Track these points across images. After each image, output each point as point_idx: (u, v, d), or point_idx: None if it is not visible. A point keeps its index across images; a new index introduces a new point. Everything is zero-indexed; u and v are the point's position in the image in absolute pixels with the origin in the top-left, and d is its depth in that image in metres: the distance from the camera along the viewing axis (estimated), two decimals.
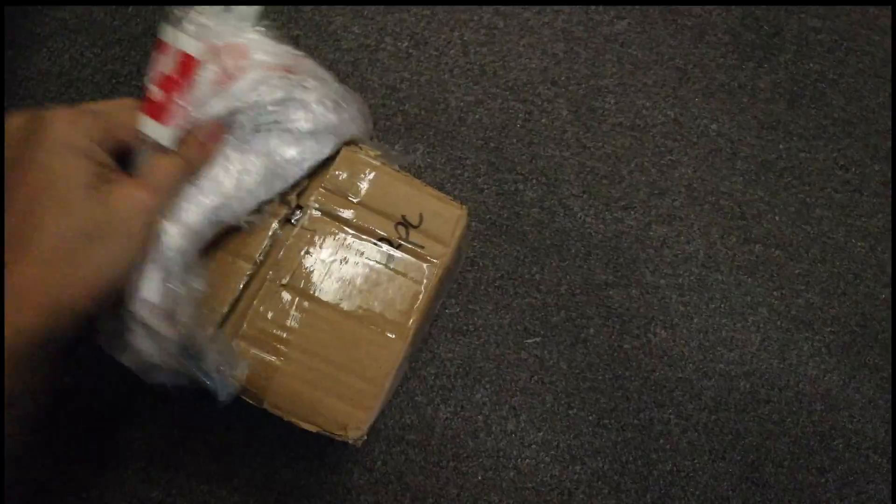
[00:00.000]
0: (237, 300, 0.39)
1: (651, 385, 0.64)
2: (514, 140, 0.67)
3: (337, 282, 0.40)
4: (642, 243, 0.67)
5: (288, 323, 0.39)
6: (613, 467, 0.63)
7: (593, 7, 0.71)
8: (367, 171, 0.42)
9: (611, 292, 0.66)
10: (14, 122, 0.31)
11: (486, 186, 0.66)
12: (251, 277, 0.39)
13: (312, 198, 0.41)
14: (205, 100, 0.35)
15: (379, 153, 0.42)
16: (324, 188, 0.41)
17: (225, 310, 0.38)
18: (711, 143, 0.70)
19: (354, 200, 0.41)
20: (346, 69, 0.66)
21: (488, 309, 0.64)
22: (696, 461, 0.64)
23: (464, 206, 0.42)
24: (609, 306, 0.65)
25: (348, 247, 0.41)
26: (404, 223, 0.41)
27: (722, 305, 0.67)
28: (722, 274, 0.67)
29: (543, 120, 0.68)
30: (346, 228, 0.41)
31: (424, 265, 0.41)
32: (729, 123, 0.71)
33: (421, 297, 0.40)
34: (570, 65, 0.70)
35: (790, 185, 0.70)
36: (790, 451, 0.65)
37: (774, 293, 0.68)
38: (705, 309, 0.67)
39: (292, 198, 0.40)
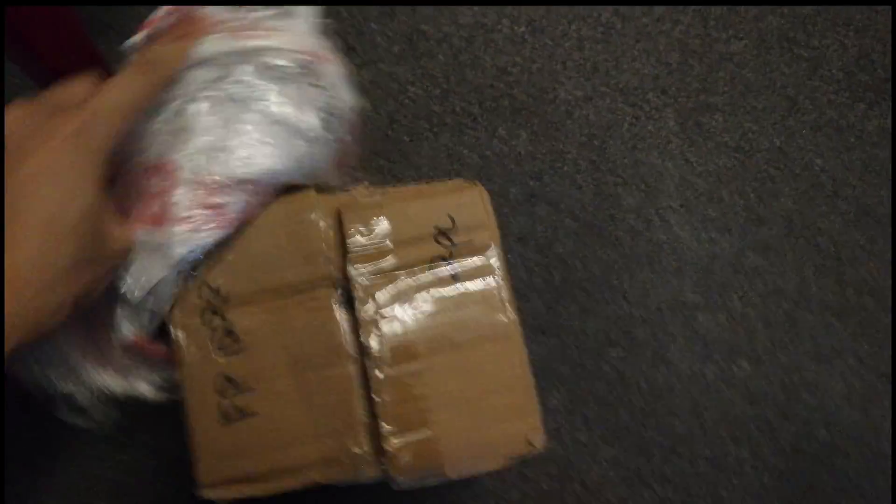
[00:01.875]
0: (366, 408, 0.36)
1: (730, 419, 0.61)
2: (619, 142, 0.65)
3: (428, 328, 0.37)
4: (735, 269, 0.64)
5: (415, 393, 0.36)
6: (681, 498, 0.59)
7: (712, 22, 0.69)
8: (376, 212, 0.38)
9: (698, 314, 0.63)
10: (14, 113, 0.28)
11: (584, 184, 0.63)
12: (362, 377, 0.36)
13: (350, 270, 0.37)
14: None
15: (366, 186, 0.39)
16: (352, 255, 0.37)
17: (364, 421, 0.36)
18: (814, 178, 0.68)
19: (387, 246, 0.38)
20: (459, 44, 0.64)
21: (573, 311, 0.61)
22: None
23: (474, 182, 0.40)
24: (695, 328, 0.62)
25: (414, 290, 0.38)
26: (441, 232, 0.38)
27: (809, 347, 0.64)
28: (812, 314, 0.65)
29: (650, 127, 0.66)
30: (399, 275, 0.37)
31: (484, 256, 0.39)
32: (833, 161, 0.68)
33: (502, 285, 0.38)
34: (682, 76, 0.67)
35: (888, 233, 0.68)
36: None
37: (863, 342, 0.65)
38: (791, 348, 0.63)
39: (330, 275, 0.37)
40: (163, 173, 0.34)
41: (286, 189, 0.37)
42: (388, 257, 0.37)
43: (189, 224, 0.34)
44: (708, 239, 0.64)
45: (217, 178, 0.34)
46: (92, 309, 0.32)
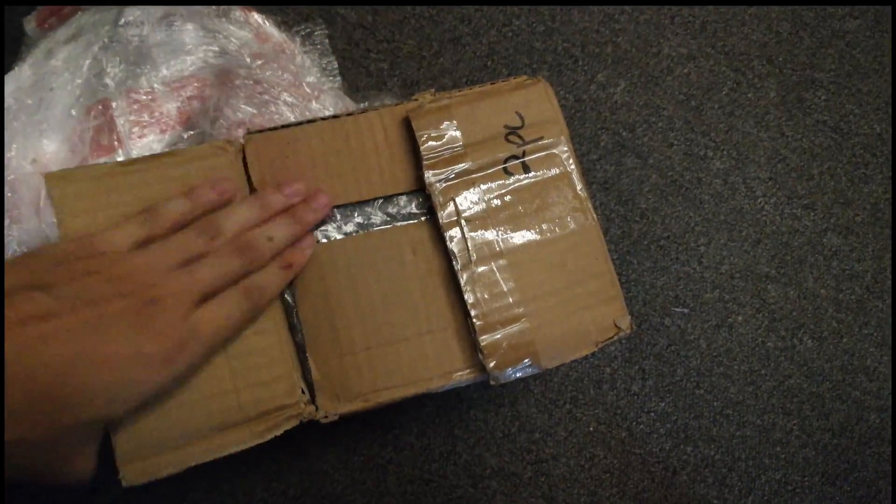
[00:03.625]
0: (462, 305, 0.37)
1: (783, 390, 0.62)
2: (716, 106, 0.64)
3: (509, 225, 0.38)
4: (813, 247, 0.64)
5: (505, 288, 0.37)
6: (724, 460, 0.60)
7: None
8: (445, 116, 0.38)
9: (769, 286, 0.63)
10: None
11: (676, 142, 0.63)
12: (452, 278, 0.38)
13: (428, 176, 0.37)
14: None
15: (432, 93, 0.39)
16: (427, 162, 0.37)
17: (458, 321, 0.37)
18: None
19: (460, 149, 0.38)
20: None
21: (646, 266, 0.61)
22: (806, 479, 0.61)
23: (538, 78, 0.40)
24: (764, 299, 0.63)
25: (490, 190, 0.38)
26: (512, 131, 0.39)
27: (875, 333, 0.64)
28: (883, 302, 0.64)
29: (750, 95, 0.65)
30: (475, 177, 0.38)
31: (555, 150, 0.39)
32: None
33: (575, 176, 0.39)
34: (790, 48, 0.66)
35: None
36: None
37: None
38: (857, 332, 0.64)
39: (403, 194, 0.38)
40: (101, 108, 0.40)
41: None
42: (462, 160, 0.38)
43: (138, 137, 0.41)
44: (791, 214, 0.64)
45: (147, 89, 0.42)
46: None
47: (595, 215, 0.38)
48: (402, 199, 0.38)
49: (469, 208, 0.37)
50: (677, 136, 0.63)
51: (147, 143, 0.43)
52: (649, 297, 0.61)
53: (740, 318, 0.62)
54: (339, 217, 0.37)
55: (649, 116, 0.63)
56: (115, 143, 0.43)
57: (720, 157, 0.63)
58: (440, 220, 0.37)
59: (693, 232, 0.62)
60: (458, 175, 0.37)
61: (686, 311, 0.61)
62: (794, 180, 0.64)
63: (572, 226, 0.38)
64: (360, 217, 0.37)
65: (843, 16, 0.67)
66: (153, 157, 0.34)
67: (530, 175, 0.38)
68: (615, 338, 0.36)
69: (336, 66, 0.57)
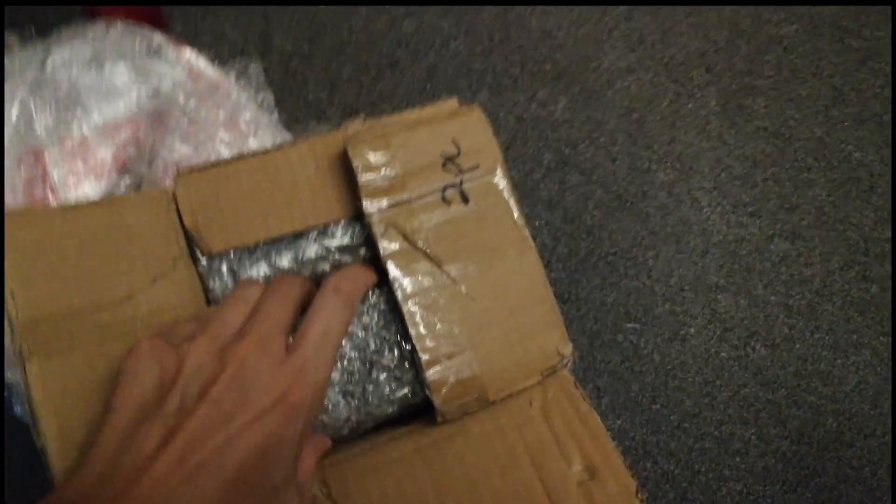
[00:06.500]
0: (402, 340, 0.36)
1: (739, 400, 0.62)
2: (658, 118, 0.64)
3: (450, 256, 0.37)
4: (761, 254, 0.64)
5: (449, 319, 0.36)
6: (684, 474, 0.60)
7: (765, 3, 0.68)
8: (382, 145, 0.38)
9: (719, 296, 0.63)
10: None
11: (619, 157, 0.63)
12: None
13: (366, 206, 0.37)
14: None
15: (362, 119, 0.39)
16: (365, 191, 0.37)
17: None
18: (851, 172, 0.67)
19: (397, 179, 0.38)
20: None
21: (595, 283, 0.61)
22: (767, 488, 0.61)
23: (471, 105, 0.40)
24: (715, 310, 0.62)
25: (430, 220, 0.38)
26: (448, 159, 0.38)
27: (827, 337, 0.64)
28: (833, 305, 0.65)
29: (690, 105, 0.65)
30: (414, 207, 0.38)
31: (491, 179, 0.39)
32: (873, 156, 0.67)
33: (513, 205, 0.38)
34: (728, 56, 0.66)
35: None
36: (861, 501, 0.62)
37: (881, 338, 0.65)
38: (809, 337, 0.64)
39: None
40: (32, 159, 0.39)
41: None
42: (400, 189, 0.37)
43: (71, 187, 0.40)
44: (737, 222, 0.64)
45: (80, 136, 0.40)
46: None
47: (532, 243, 0.37)
48: (338, 231, 0.38)
49: (409, 238, 0.36)
50: (620, 150, 0.63)
51: (83, 192, 0.42)
52: (600, 314, 0.61)
53: (692, 329, 0.62)
54: (272, 253, 0.36)
55: (591, 132, 0.63)
56: (49, 193, 0.41)
57: (664, 169, 0.63)
58: (380, 252, 0.36)
59: (640, 246, 0.62)
60: (396, 204, 0.37)
61: (638, 326, 0.61)
62: (739, 188, 0.65)
63: (511, 254, 0.37)
64: (292, 251, 0.36)
65: (780, 21, 0.68)
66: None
67: (469, 204, 0.38)
68: (559, 366, 0.35)
69: (272, 100, 0.57)
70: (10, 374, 0.37)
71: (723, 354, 0.62)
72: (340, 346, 0.27)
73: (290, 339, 0.26)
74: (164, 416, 0.21)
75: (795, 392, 0.63)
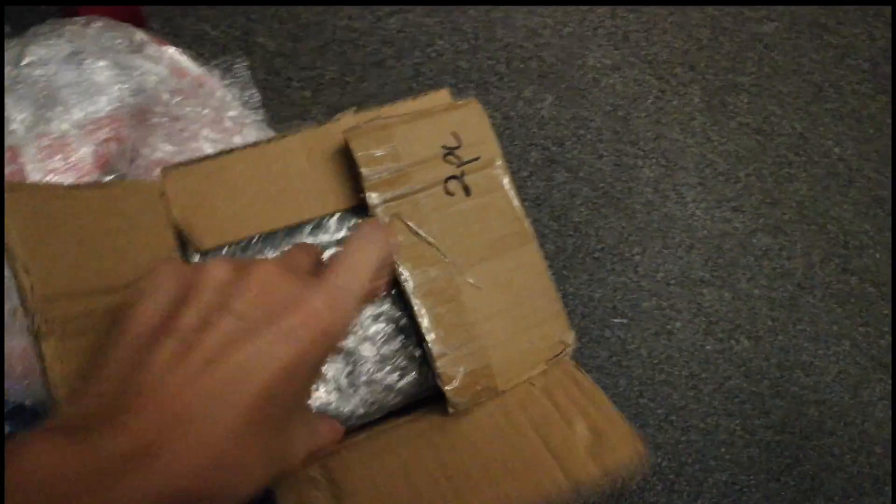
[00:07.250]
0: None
1: (724, 392, 0.63)
2: (643, 115, 0.65)
3: (455, 247, 0.38)
4: (744, 248, 0.65)
5: (457, 310, 0.37)
6: (671, 466, 0.61)
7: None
8: (385, 137, 0.38)
9: (704, 290, 0.64)
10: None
11: (605, 154, 0.64)
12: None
13: (370, 198, 0.37)
14: None
15: (353, 112, 0.39)
16: (368, 183, 0.37)
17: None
18: (831, 166, 0.68)
19: (401, 170, 0.38)
20: None
21: (582, 279, 0.62)
22: (752, 477, 0.62)
23: (469, 99, 0.40)
24: (700, 304, 0.63)
25: (434, 211, 0.38)
26: (449, 151, 0.39)
27: (808, 329, 0.65)
28: (814, 298, 0.66)
29: (675, 102, 0.66)
30: (418, 198, 0.38)
31: (492, 171, 0.39)
32: (852, 150, 0.69)
33: (512, 196, 0.39)
34: (711, 53, 0.67)
35: None
36: (842, 488, 0.64)
37: (860, 329, 0.66)
38: (791, 329, 0.65)
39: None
40: (9, 156, 0.38)
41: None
42: (404, 181, 0.37)
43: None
44: (721, 217, 0.65)
45: (59, 133, 0.39)
46: None
47: (533, 234, 0.38)
48: (333, 224, 0.38)
49: (414, 229, 0.37)
50: (606, 147, 0.64)
51: None
52: (588, 310, 0.61)
53: (678, 324, 0.63)
54: (267, 248, 0.36)
55: (577, 129, 0.63)
56: None
57: (649, 165, 0.64)
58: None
59: (627, 242, 0.63)
60: (400, 196, 0.37)
61: (625, 321, 0.62)
62: (722, 184, 0.66)
63: (513, 244, 0.38)
64: (287, 245, 0.36)
65: (760, 19, 0.69)
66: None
67: (471, 196, 0.38)
68: (562, 354, 0.36)
69: (258, 98, 0.56)
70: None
71: (708, 347, 0.63)
72: (375, 281, 0.24)
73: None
74: (180, 330, 0.18)
75: (778, 383, 0.64)
